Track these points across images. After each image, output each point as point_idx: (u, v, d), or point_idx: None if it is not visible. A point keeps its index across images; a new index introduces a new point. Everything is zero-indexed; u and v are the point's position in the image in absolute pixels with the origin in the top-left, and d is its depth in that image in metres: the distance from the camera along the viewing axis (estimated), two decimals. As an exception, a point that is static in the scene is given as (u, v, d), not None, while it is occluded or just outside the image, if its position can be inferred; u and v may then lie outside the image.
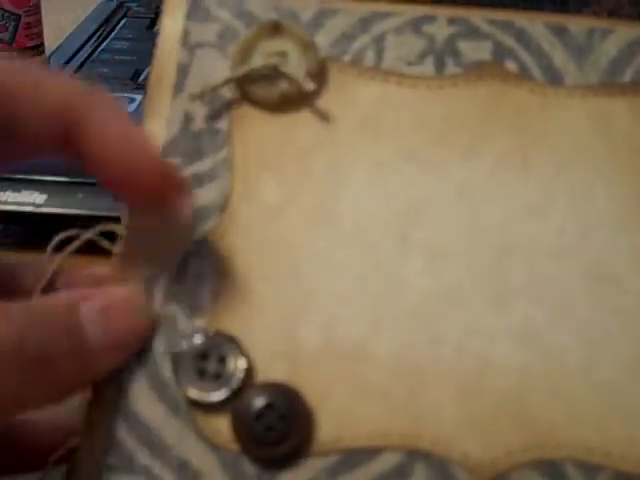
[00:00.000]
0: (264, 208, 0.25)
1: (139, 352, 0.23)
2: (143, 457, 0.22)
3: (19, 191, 0.49)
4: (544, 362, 0.23)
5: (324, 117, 0.26)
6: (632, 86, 0.26)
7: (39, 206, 0.48)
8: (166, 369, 0.23)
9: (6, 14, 0.70)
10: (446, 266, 0.24)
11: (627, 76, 0.26)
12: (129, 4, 0.78)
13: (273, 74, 0.26)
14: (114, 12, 0.77)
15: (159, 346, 0.23)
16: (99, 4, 0.79)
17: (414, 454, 0.22)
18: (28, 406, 0.21)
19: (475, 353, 0.23)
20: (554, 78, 0.26)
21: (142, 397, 0.23)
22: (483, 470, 0.22)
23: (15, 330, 0.20)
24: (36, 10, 0.72)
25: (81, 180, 0.49)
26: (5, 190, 0.49)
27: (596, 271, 0.24)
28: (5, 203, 0.48)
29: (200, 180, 0.25)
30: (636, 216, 0.24)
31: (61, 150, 0.23)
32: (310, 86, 0.25)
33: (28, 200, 0.48)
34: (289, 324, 0.23)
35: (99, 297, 0.22)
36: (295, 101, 0.26)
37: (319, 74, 0.26)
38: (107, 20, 0.75)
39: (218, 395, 0.22)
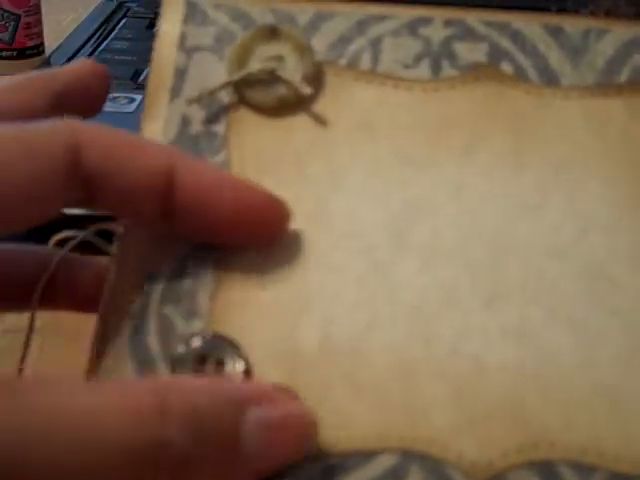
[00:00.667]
0: None
1: (137, 354, 0.23)
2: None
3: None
4: (539, 362, 0.23)
5: (321, 121, 0.26)
6: (628, 86, 0.26)
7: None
8: (163, 369, 0.23)
9: (6, 14, 0.70)
10: (442, 265, 0.24)
11: (623, 76, 0.26)
12: (129, 4, 0.78)
13: (270, 78, 0.26)
14: (114, 12, 0.77)
15: (156, 348, 0.23)
16: (99, 4, 0.80)
17: (409, 456, 0.22)
18: None
19: (470, 353, 0.23)
20: (550, 79, 0.26)
21: None
22: (479, 471, 0.22)
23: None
24: (36, 10, 0.72)
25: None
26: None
27: (593, 271, 0.24)
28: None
29: (198, 183, 0.25)
30: (633, 216, 0.24)
31: (161, 211, 0.23)
32: (307, 90, 0.25)
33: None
34: (287, 326, 0.23)
35: (268, 405, 0.19)
36: (292, 105, 0.26)
37: (315, 78, 0.26)
38: (107, 20, 0.75)
39: (216, 398, 0.22)
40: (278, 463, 0.19)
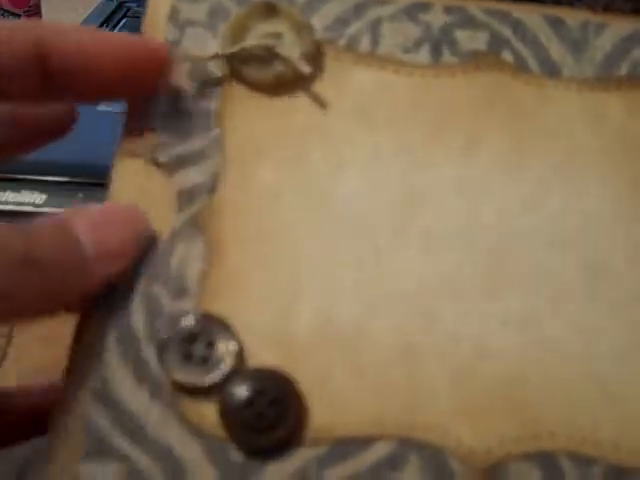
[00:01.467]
0: (260, 192, 0.24)
1: (120, 334, 0.22)
2: (121, 443, 0.21)
3: (19, 191, 0.49)
4: (539, 350, 0.22)
5: (320, 102, 0.25)
6: (627, 80, 0.26)
7: (39, 206, 0.48)
8: (149, 352, 0.22)
9: (6, 14, 0.69)
10: (443, 253, 0.23)
11: (622, 70, 0.26)
12: (129, 4, 0.78)
13: (267, 55, 0.25)
14: (114, 12, 0.76)
15: (142, 327, 0.22)
16: (99, 4, 0.79)
17: (407, 444, 0.21)
18: (24, 309, 0.21)
19: (471, 339, 0.22)
20: (552, 70, 0.26)
21: (122, 380, 0.21)
22: (477, 460, 0.21)
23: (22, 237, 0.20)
24: (36, 10, 0.71)
25: (81, 180, 0.49)
26: (5, 190, 0.49)
27: (592, 263, 0.23)
28: (5, 203, 0.48)
29: (189, 160, 0.24)
30: (631, 211, 0.24)
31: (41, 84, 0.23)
32: (306, 69, 0.25)
33: (28, 200, 0.48)
34: (283, 308, 0.22)
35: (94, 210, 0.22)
36: (290, 84, 0.25)
37: (315, 57, 0.25)
38: (107, 20, 0.74)
39: (206, 379, 0.21)
40: (117, 258, 0.22)
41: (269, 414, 0.21)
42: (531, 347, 0.22)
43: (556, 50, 0.26)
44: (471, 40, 0.26)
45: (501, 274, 0.23)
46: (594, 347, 0.22)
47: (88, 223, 0.22)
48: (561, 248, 0.24)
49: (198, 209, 0.23)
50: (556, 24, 0.26)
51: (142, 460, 0.21)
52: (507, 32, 0.26)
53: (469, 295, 0.23)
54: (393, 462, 0.21)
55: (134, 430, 0.21)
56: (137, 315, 0.22)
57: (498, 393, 0.22)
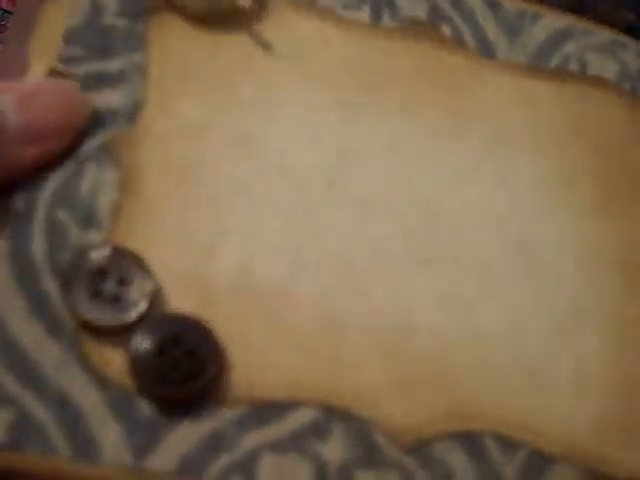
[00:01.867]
0: (183, 124, 0.21)
1: (16, 260, 0.19)
2: (12, 386, 0.18)
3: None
4: (467, 327, 0.21)
5: (256, 41, 0.23)
6: (558, 73, 0.26)
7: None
8: (50, 284, 0.19)
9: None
10: (374, 219, 0.22)
11: (553, 62, 0.26)
12: None
13: (204, -17, 0.23)
14: None
15: (42, 256, 0.19)
16: None
17: (331, 412, 0.19)
18: None
19: (401, 312, 0.21)
20: (487, 50, 0.25)
21: (15, 312, 0.18)
22: (404, 436, 0.20)
23: None
24: None
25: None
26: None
27: (520, 244, 0.23)
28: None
29: (106, 80, 0.21)
30: (557, 196, 0.24)
31: None
32: (245, 2, 0.23)
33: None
34: (203, 249, 0.20)
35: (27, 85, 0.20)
36: (225, 17, 0.23)
37: (255, -6, 0.23)
38: None
39: (116, 320, 0.19)
40: (46, 138, 0.19)
41: (184, 365, 0.18)
42: (460, 324, 0.21)
43: (492, 31, 0.26)
44: (411, 7, 0.25)
45: (432, 249, 0.22)
46: (520, 329, 0.22)
47: (17, 97, 0.19)
48: (490, 228, 0.23)
49: (113, 135, 0.21)
50: (494, 6, 0.26)
51: (33, 407, 0.18)
52: (446, 6, 0.25)
53: (399, 267, 0.21)
54: (316, 431, 0.19)
55: (25, 370, 0.18)
56: (38, 242, 0.19)
57: (427, 370, 0.21)
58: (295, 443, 0.19)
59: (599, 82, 0.26)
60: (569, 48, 0.26)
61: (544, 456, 0.20)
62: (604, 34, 0.27)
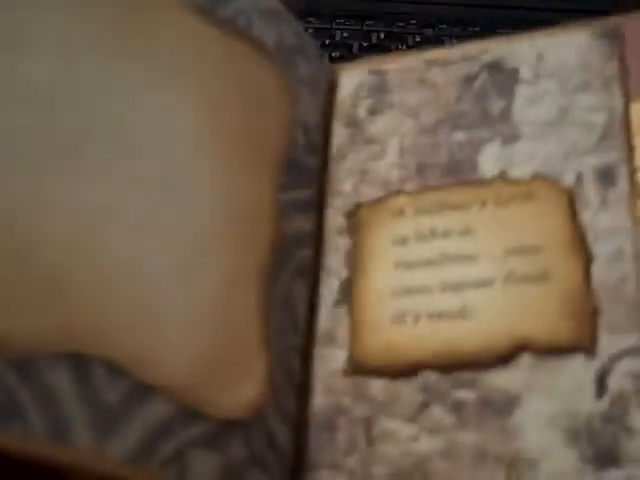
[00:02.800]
0: None
1: None
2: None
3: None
4: (91, 249, 0.21)
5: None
6: (228, 24, 0.26)
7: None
8: None
9: None
10: (27, 108, 0.21)
11: (227, 11, 0.26)
12: None
13: None
14: None
15: None
16: None
17: None
18: None
19: (29, 218, 0.20)
20: None
21: None
22: (10, 349, 0.18)
23: None
24: None
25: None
26: None
27: (162, 182, 0.23)
28: None
29: None
30: (207, 148, 0.24)
31: None
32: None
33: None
34: None
35: None
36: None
37: None
38: None
39: None
40: None
41: None
42: (93, 248, 0.21)
43: None
44: None
45: (80, 159, 0.21)
46: (142, 263, 0.21)
47: None
48: (138, 158, 0.22)
49: None
50: None
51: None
52: None
53: (41, 167, 0.20)
54: None
55: None
56: None
57: (51, 287, 0.20)
58: None
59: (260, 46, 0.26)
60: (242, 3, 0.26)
61: (145, 387, 0.20)
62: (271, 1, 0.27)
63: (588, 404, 0.22)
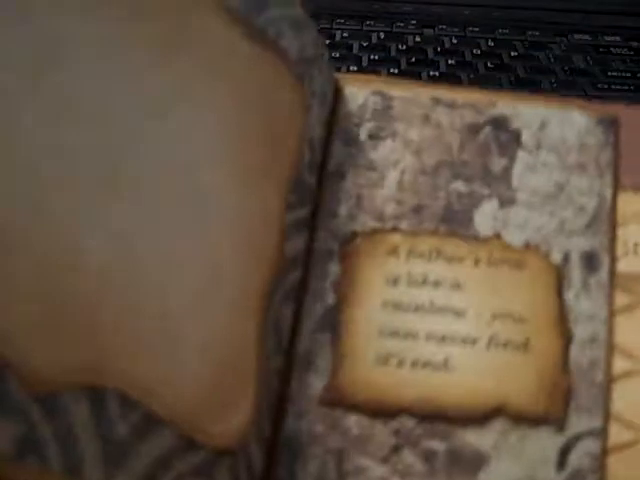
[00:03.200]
0: None
1: None
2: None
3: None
4: (126, 276, 0.20)
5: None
6: (258, 34, 0.25)
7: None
8: None
9: None
10: (68, 128, 0.19)
11: (256, 22, 0.25)
12: None
13: None
14: None
15: None
16: None
17: None
18: None
19: (70, 243, 0.19)
20: None
21: None
22: (38, 383, 0.18)
23: None
24: None
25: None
26: None
27: (194, 202, 0.22)
28: None
29: None
30: (229, 165, 0.23)
31: None
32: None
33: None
34: None
35: None
36: None
37: None
38: None
39: None
40: None
41: None
42: (118, 267, 0.20)
43: None
44: None
45: (118, 177, 0.20)
46: (170, 289, 0.21)
47: None
48: (167, 169, 0.21)
49: None
50: None
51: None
52: None
53: (83, 189, 0.19)
54: None
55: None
56: None
57: (79, 318, 0.19)
58: None
59: (285, 58, 0.26)
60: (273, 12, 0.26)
61: (153, 418, 0.20)
62: (298, 9, 0.26)
63: (549, 475, 0.24)
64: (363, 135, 0.28)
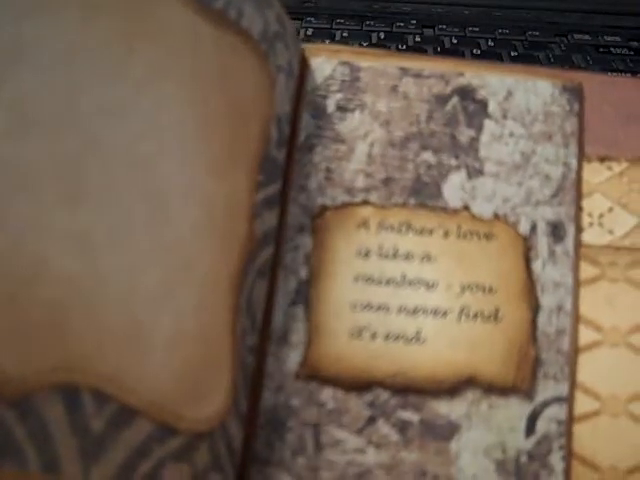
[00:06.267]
0: None
1: None
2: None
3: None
4: (92, 277, 0.20)
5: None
6: (219, 16, 0.24)
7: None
8: None
9: None
10: (31, 134, 0.19)
11: (220, 3, 0.24)
12: None
13: None
14: None
15: None
16: None
17: None
18: None
19: (32, 253, 0.19)
20: None
21: None
22: (9, 389, 0.18)
23: None
24: None
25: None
26: None
27: (157, 196, 0.22)
28: None
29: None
30: (199, 154, 0.23)
31: None
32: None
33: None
34: None
35: None
36: None
37: None
38: None
39: None
40: None
41: None
42: (85, 275, 0.20)
43: None
44: None
45: (79, 185, 0.20)
46: (137, 287, 0.21)
47: None
48: (136, 171, 0.21)
49: None
50: None
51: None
52: None
53: (42, 199, 0.19)
54: None
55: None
56: None
57: (46, 319, 0.19)
58: None
59: (247, 38, 0.25)
60: None
61: (129, 411, 0.21)
62: None
63: (518, 441, 0.25)
64: (331, 107, 0.28)
